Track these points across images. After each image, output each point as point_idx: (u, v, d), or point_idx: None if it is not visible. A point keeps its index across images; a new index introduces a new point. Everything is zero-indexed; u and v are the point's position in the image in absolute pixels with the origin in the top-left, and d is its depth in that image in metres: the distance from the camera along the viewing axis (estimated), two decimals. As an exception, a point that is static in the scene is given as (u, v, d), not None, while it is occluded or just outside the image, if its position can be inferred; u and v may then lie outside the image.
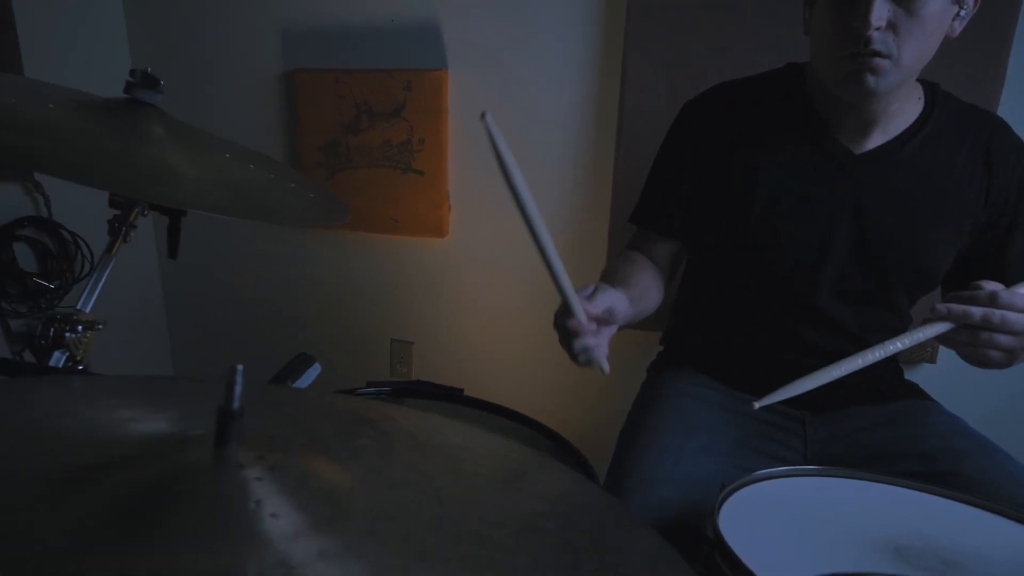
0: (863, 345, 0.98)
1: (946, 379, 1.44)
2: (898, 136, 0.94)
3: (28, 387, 0.41)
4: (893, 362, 1.12)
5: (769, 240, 0.98)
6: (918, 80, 0.98)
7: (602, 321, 0.78)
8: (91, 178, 0.67)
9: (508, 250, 1.76)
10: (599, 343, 0.77)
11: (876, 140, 0.94)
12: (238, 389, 0.33)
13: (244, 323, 2.12)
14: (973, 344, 0.76)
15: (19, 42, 1.67)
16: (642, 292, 0.97)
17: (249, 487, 0.30)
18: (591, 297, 0.79)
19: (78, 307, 0.70)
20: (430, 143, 1.72)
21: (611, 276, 0.99)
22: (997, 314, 0.73)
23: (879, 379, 1.06)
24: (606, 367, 0.78)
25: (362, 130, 1.77)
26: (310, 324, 2.03)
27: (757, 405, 0.78)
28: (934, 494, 0.77)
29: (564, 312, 0.76)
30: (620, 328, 0.84)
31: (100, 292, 0.73)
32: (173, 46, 1.96)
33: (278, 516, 0.29)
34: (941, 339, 0.78)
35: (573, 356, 0.78)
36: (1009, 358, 0.77)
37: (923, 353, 1.52)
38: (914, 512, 0.73)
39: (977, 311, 0.74)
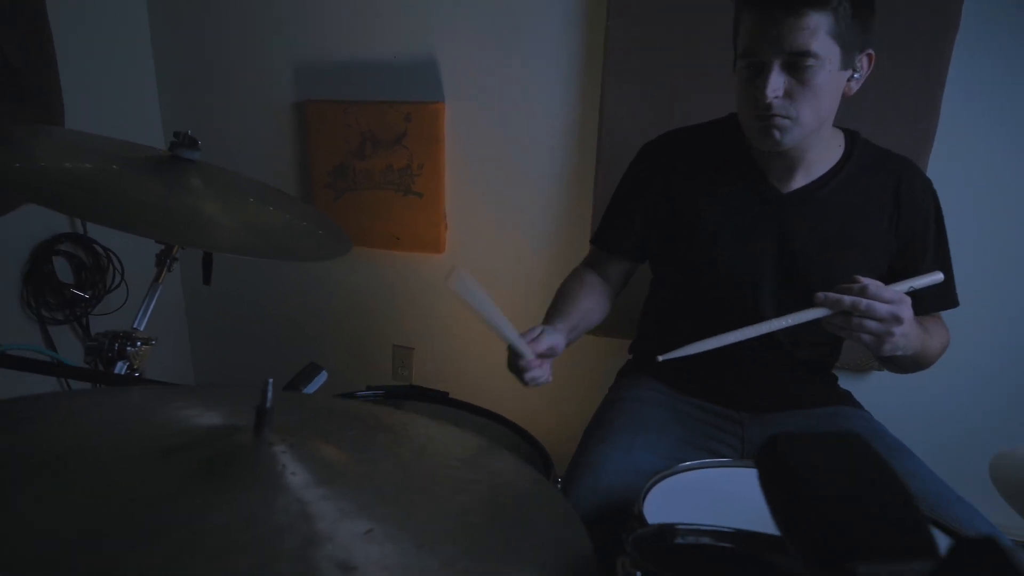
0: (794, 354, 1.14)
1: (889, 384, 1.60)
2: (820, 178, 1.10)
3: (120, 392, 0.58)
4: (828, 373, 1.27)
5: (711, 267, 1.14)
6: (842, 129, 1.14)
7: (544, 356, 1.01)
8: (138, 227, 0.84)
9: (498, 265, 1.93)
10: (543, 372, 1.01)
11: (800, 181, 1.10)
12: (270, 395, 0.49)
13: (259, 332, 2.29)
14: (847, 328, 0.91)
15: (61, 88, 1.86)
16: (585, 314, 1.17)
17: (277, 457, 0.47)
18: (537, 338, 1.00)
19: (134, 326, 0.87)
20: (428, 168, 1.89)
21: (563, 299, 1.19)
22: (864, 302, 0.88)
23: (813, 387, 1.22)
24: (548, 381, 1.02)
25: (367, 156, 1.94)
26: (319, 332, 2.21)
27: (661, 359, 0.96)
28: None
29: (515, 356, 0.99)
30: (568, 346, 1.06)
31: (151, 312, 0.90)
32: (197, 78, 2.14)
33: (296, 475, 0.45)
34: (822, 322, 0.93)
35: (523, 383, 1.01)
36: (878, 342, 0.91)
37: (870, 361, 1.67)
38: None
39: (848, 299, 0.89)
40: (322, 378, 0.89)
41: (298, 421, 0.56)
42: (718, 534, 0.50)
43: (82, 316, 2.02)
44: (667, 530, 0.53)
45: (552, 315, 1.14)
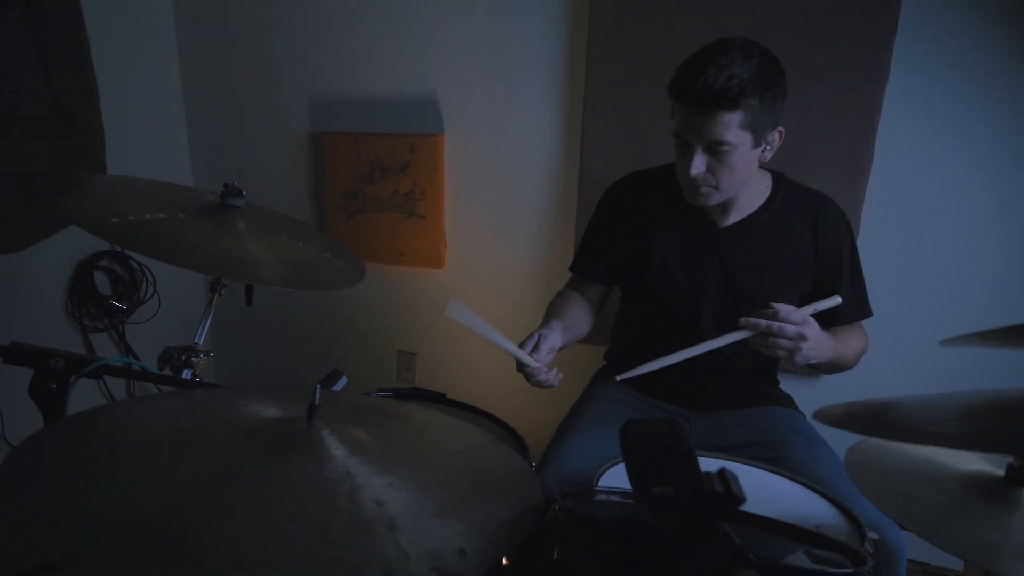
0: (737, 363, 1.35)
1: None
2: (751, 214, 1.32)
3: (197, 393, 0.80)
4: (769, 378, 1.49)
5: (666, 290, 1.36)
6: (769, 171, 1.35)
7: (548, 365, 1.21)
8: (197, 265, 1.06)
9: (493, 279, 2.15)
10: (550, 376, 1.21)
11: (734, 218, 1.32)
12: (318, 395, 0.71)
13: (280, 339, 2.52)
14: (765, 346, 1.13)
15: (103, 123, 2.10)
16: (574, 323, 1.37)
17: (324, 438, 0.69)
18: (537, 345, 1.20)
19: (195, 341, 1.09)
20: (430, 193, 2.12)
21: (554, 309, 1.40)
22: (775, 325, 1.10)
23: (754, 390, 1.43)
24: (555, 383, 1.22)
25: (375, 182, 2.17)
26: (332, 338, 2.43)
27: (619, 378, 1.16)
28: (761, 468, 1.13)
29: (521, 365, 1.20)
30: (563, 347, 1.28)
31: (208, 327, 1.12)
32: (224, 113, 2.37)
33: (338, 449, 0.67)
34: (748, 341, 1.15)
35: (533, 384, 1.23)
36: (790, 355, 1.12)
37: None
38: (747, 480, 1.10)
39: (763, 322, 1.11)
40: (343, 382, 1.10)
41: (334, 413, 0.78)
42: (624, 493, 0.71)
43: (119, 325, 2.25)
44: (588, 490, 0.75)
45: (549, 317, 1.36)
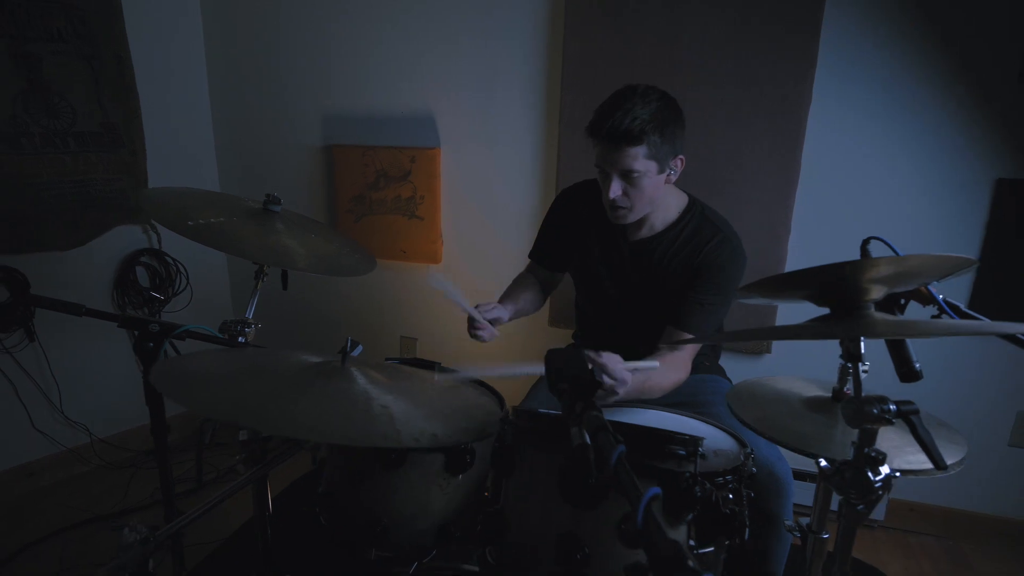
0: (646, 343, 1.59)
1: (775, 363, 2.14)
2: (659, 233, 1.56)
3: (256, 350, 1.13)
4: (716, 351, 1.79)
5: (596, 283, 1.65)
6: (689, 197, 1.60)
7: (492, 322, 1.49)
8: (247, 254, 1.37)
9: (482, 271, 2.47)
10: (488, 332, 1.48)
11: (644, 234, 1.57)
12: (350, 345, 1.04)
13: (297, 323, 2.84)
14: None
15: (144, 137, 2.42)
16: (524, 303, 1.68)
17: (352, 372, 1.00)
18: (490, 310, 1.50)
19: (246, 315, 1.40)
20: (428, 198, 2.44)
21: (511, 288, 1.71)
22: (599, 374, 1.18)
23: (697, 362, 1.73)
24: (493, 337, 1.49)
25: (380, 188, 2.49)
26: (344, 325, 2.75)
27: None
28: (685, 415, 1.43)
29: (471, 322, 1.47)
30: (510, 320, 1.57)
31: (255, 306, 1.44)
32: (246, 126, 2.69)
33: (361, 378, 0.99)
34: None
35: (475, 339, 1.49)
36: (602, 397, 1.23)
37: (763, 346, 2.22)
38: (671, 422, 1.40)
39: (590, 365, 1.20)
40: (360, 349, 1.40)
41: (359, 362, 1.10)
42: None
43: (156, 313, 2.57)
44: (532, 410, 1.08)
45: (504, 298, 1.66)
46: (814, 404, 1.11)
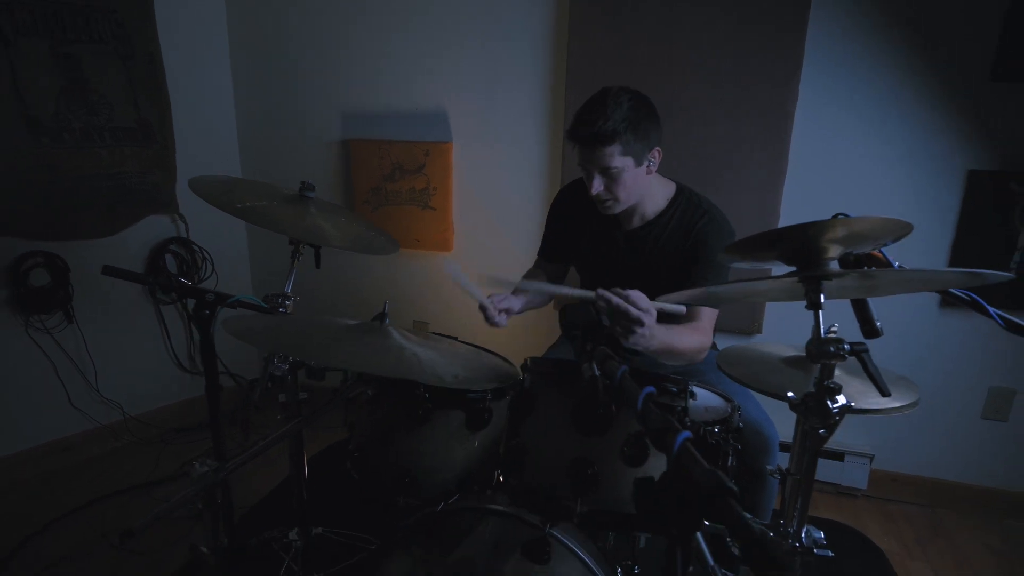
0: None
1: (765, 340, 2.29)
2: (650, 221, 1.69)
3: (299, 317, 1.28)
4: None
5: (591, 270, 1.80)
6: (677, 184, 1.73)
7: (503, 311, 1.60)
8: (287, 232, 1.53)
9: (491, 259, 2.62)
10: (501, 320, 1.58)
11: (636, 223, 1.71)
12: (387, 308, 1.19)
13: (321, 307, 2.98)
14: (611, 319, 1.24)
15: (174, 132, 2.57)
16: (534, 296, 1.77)
17: (388, 330, 1.16)
18: (501, 301, 1.60)
19: (285, 290, 1.56)
20: (440, 190, 2.59)
21: (526, 278, 1.85)
22: (623, 305, 1.21)
23: None
24: (503, 326, 1.60)
25: (396, 180, 2.64)
26: (363, 307, 2.89)
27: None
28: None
29: (483, 310, 1.57)
30: (521, 312, 1.68)
31: (293, 281, 1.59)
32: (269, 122, 2.84)
33: (397, 335, 1.15)
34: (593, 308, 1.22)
35: (489, 324, 1.60)
36: (624, 334, 1.24)
37: (754, 326, 2.37)
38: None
39: (615, 299, 1.22)
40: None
41: (392, 323, 1.25)
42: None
43: (183, 298, 2.72)
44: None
45: (516, 290, 1.81)
46: (791, 361, 1.27)
